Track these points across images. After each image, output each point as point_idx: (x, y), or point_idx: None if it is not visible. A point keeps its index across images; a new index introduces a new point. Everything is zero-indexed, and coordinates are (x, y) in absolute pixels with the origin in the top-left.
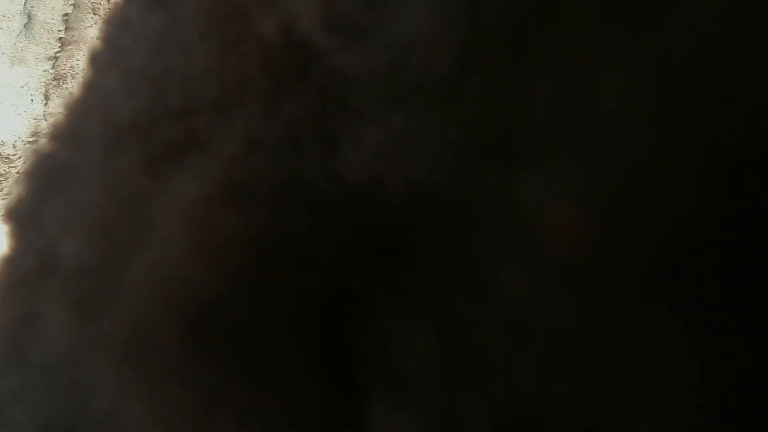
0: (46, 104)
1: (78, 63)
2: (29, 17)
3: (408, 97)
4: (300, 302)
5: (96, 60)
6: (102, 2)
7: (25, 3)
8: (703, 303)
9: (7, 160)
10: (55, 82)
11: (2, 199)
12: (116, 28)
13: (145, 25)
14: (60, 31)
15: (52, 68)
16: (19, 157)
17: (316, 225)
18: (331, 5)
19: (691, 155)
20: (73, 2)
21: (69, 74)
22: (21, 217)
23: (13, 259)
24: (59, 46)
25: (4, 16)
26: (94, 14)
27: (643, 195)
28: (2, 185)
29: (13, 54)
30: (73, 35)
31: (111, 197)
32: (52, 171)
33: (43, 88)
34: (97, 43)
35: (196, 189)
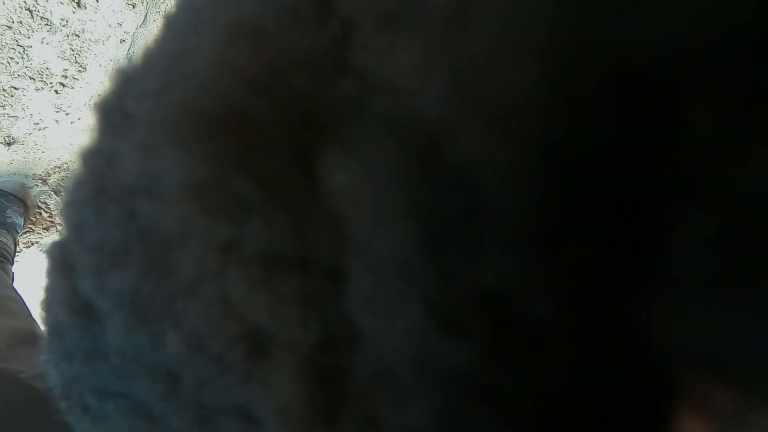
0: None
1: None
2: (129, 61)
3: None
4: (288, 114)
5: (170, 18)
6: None
7: (129, 49)
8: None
9: None
10: None
11: None
12: None
13: None
14: None
15: None
16: None
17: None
18: None
19: None
20: None
21: None
22: (105, 107)
23: (97, 130)
24: None
25: (110, 60)
26: None
27: None
28: None
29: None
30: None
31: (175, 63)
32: (130, 71)
33: None
34: (171, 8)
35: (223, 38)
